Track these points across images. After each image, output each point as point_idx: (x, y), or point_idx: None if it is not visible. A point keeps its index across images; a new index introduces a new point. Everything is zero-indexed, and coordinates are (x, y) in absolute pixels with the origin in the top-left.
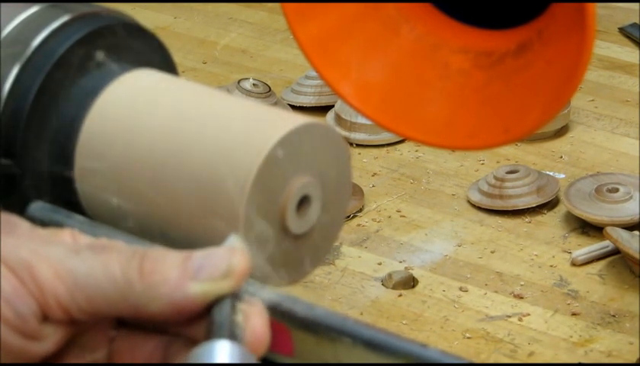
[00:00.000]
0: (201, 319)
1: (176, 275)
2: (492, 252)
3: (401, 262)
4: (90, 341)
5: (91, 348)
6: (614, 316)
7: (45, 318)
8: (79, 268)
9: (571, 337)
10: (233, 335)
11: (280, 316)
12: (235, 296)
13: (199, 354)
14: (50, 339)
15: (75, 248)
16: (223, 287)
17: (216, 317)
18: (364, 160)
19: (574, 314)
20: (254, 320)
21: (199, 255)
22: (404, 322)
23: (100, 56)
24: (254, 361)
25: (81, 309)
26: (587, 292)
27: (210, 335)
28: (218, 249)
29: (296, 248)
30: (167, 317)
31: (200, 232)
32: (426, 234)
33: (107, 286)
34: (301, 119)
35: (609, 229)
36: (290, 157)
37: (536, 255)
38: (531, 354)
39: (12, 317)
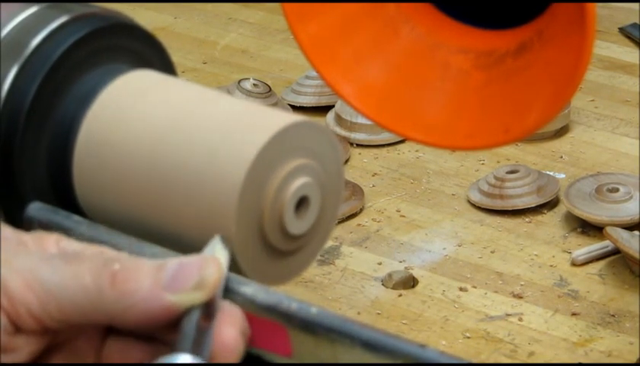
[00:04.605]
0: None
1: (148, 284)
2: (492, 252)
3: (401, 262)
4: (78, 347)
5: (79, 354)
6: (614, 316)
7: (17, 329)
8: (50, 277)
9: (571, 337)
10: (198, 348)
11: (279, 317)
12: (209, 305)
13: None
14: (24, 350)
15: (46, 257)
16: (196, 297)
17: (184, 328)
18: (364, 160)
19: (574, 314)
20: (225, 330)
21: (172, 265)
22: (404, 322)
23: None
24: None
25: (53, 319)
26: (587, 292)
27: (174, 347)
28: (191, 259)
29: (290, 247)
30: (143, 326)
31: (196, 233)
32: (426, 234)
33: (78, 295)
34: (294, 117)
35: (609, 229)
36: (284, 155)
37: (536, 255)
38: (531, 354)
39: None
